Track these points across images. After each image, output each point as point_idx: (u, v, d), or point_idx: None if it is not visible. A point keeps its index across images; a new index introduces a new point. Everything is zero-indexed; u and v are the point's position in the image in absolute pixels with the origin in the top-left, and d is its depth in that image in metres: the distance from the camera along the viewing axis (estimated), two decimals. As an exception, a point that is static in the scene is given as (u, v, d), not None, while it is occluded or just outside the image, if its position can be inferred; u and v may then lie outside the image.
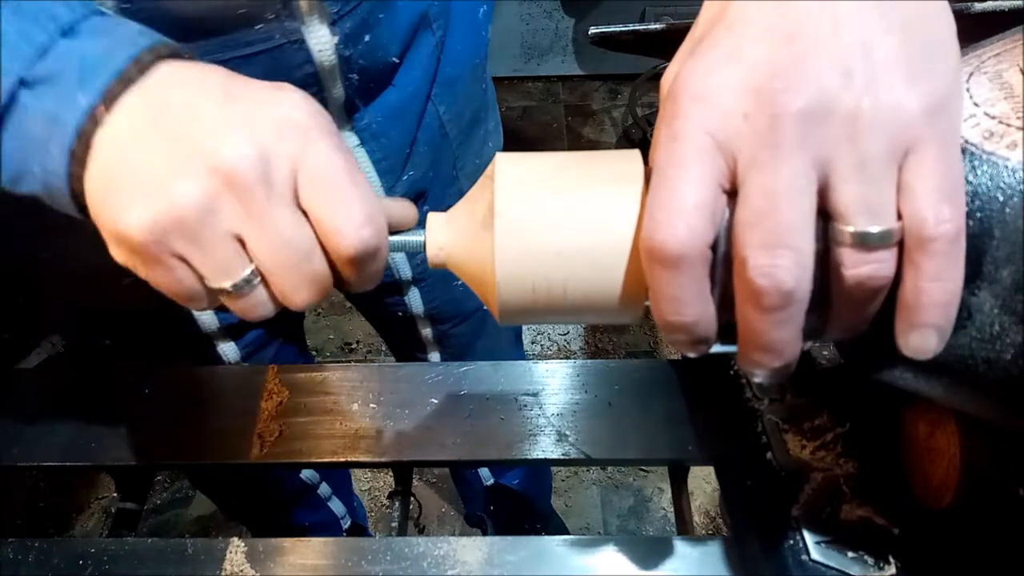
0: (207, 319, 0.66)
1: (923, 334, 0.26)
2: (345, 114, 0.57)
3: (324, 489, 1.00)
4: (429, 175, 0.67)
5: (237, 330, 0.70)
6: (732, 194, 0.27)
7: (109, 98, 0.31)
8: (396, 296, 0.76)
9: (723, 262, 0.28)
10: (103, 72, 0.30)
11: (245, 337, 0.71)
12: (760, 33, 0.27)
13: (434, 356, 0.85)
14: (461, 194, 0.74)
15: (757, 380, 0.30)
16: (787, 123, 0.25)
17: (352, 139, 0.59)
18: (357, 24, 0.51)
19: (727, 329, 0.29)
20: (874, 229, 0.26)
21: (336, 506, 1.04)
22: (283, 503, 0.95)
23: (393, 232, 0.36)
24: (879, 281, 0.26)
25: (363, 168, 0.61)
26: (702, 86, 0.27)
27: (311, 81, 0.51)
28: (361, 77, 0.54)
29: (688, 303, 0.28)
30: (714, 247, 0.28)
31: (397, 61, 0.57)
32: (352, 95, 0.55)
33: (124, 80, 0.31)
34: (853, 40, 0.26)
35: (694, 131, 0.27)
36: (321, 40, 0.49)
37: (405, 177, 0.64)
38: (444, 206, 0.71)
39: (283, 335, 0.77)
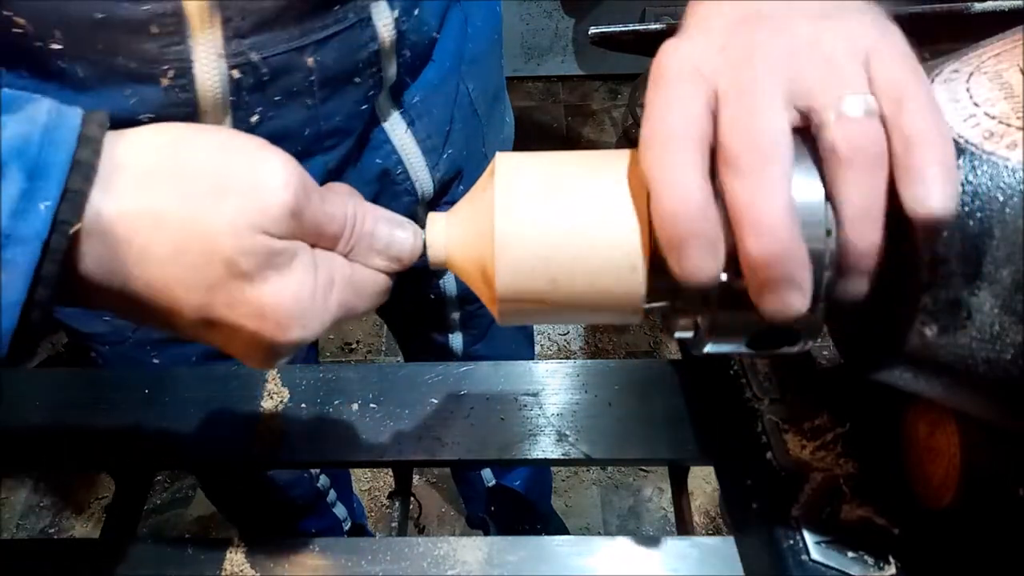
0: None
1: (925, 182, 0.26)
2: (391, 97, 0.59)
3: (331, 495, 1.01)
4: (464, 153, 0.68)
5: None
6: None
7: (75, 200, 0.26)
8: (433, 280, 0.78)
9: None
10: (53, 161, 0.26)
11: None
12: (728, 12, 0.31)
13: (455, 338, 0.85)
14: None
15: (771, 307, 0.28)
16: (758, 47, 0.28)
17: (400, 124, 0.61)
18: None
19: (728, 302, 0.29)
20: (855, 99, 0.27)
21: (339, 510, 1.04)
22: (292, 511, 0.95)
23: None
24: (874, 146, 0.27)
25: (409, 149, 0.63)
26: (681, 44, 0.30)
27: (373, 60, 0.53)
28: (411, 53, 0.56)
29: (691, 179, 0.27)
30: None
31: (436, 36, 0.60)
32: (403, 74, 0.57)
33: (84, 172, 0.27)
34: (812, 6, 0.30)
35: (676, 65, 0.30)
36: (384, 15, 0.51)
37: (445, 155, 0.66)
38: (475, 182, 0.72)
39: None
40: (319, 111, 0.52)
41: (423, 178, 0.65)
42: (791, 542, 0.39)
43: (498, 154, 0.33)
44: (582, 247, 0.31)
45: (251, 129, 0.49)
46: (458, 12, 0.62)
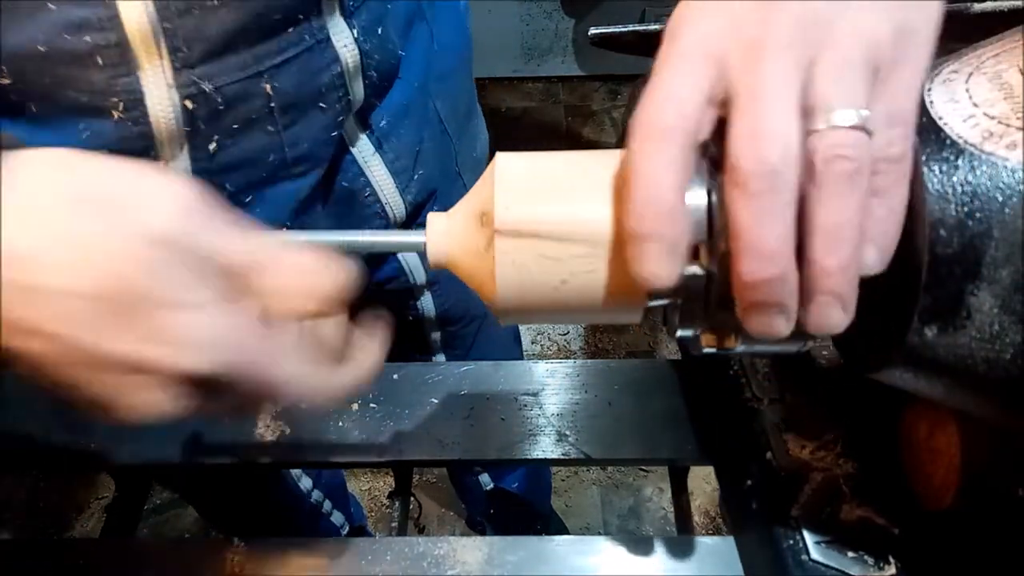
0: None
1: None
2: (359, 120, 0.58)
3: (327, 506, 1.00)
4: (436, 174, 0.67)
5: None
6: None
7: None
8: (409, 301, 0.76)
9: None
10: None
11: None
12: None
13: (439, 359, 0.85)
14: (464, 189, 0.74)
15: (756, 328, 0.28)
16: (772, 27, 0.27)
17: (367, 146, 0.60)
18: (372, 17, 0.52)
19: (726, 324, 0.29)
20: (846, 112, 0.25)
21: (336, 518, 1.04)
22: (289, 526, 0.95)
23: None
24: (852, 162, 0.25)
25: (377, 171, 0.61)
26: (696, 11, 0.29)
27: (338, 83, 0.52)
28: (377, 74, 0.55)
29: (668, 178, 0.27)
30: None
31: (403, 53, 0.59)
32: (370, 95, 0.56)
33: None
34: None
35: (687, 40, 0.28)
36: (343, 35, 0.50)
37: (416, 176, 0.65)
38: (451, 203, 0.72)
39: None
40: (283, 137, 0.51)
41: (394, 201, 0.63)
42: (791, 542, 0.39)
43: (498, 154, 0.33)
44: (582, 247, 0.31)
45: (210, 157, 0.48)
46: (424, 28, 0.61)
